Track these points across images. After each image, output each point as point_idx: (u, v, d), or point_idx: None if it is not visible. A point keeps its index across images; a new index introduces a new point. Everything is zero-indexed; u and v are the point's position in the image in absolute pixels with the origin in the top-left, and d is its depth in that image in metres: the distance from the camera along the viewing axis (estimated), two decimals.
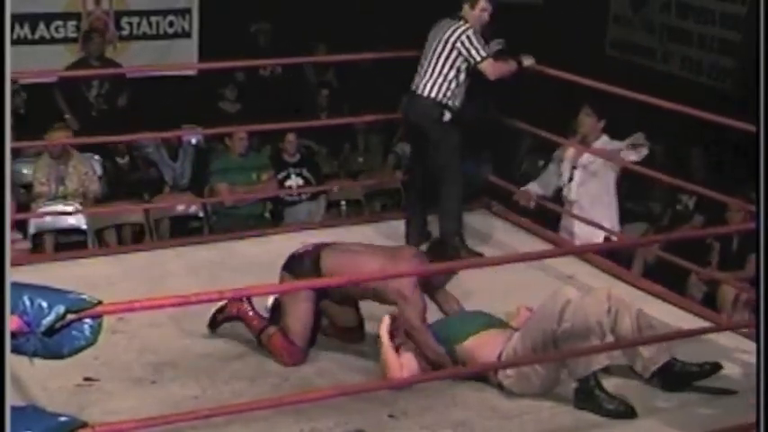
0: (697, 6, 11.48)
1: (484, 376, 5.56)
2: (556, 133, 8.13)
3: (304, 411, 5.08)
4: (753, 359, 5.92)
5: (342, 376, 5.66)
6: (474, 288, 6.46)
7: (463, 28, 7.12)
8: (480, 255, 6.98)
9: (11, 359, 5.07)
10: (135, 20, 11.08)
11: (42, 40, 10.62)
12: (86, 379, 5.53)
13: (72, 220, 9.25)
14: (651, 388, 5.59)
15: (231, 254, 7.24)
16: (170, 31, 11.20)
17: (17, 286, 3.88)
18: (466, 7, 7.20)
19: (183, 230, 9.67)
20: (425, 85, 7.20)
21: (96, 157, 9.83)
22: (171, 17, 11.20)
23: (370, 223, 8.07)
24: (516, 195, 7.96)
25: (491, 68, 7.18)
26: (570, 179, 7.72)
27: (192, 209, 9.93)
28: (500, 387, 5.50)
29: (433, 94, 7.17)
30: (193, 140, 10.38)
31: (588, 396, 5.33)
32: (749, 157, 8.57)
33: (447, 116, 7.18)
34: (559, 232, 7.80)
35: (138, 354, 5.85)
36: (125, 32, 11.04)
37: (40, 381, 5.32)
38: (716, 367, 5.68)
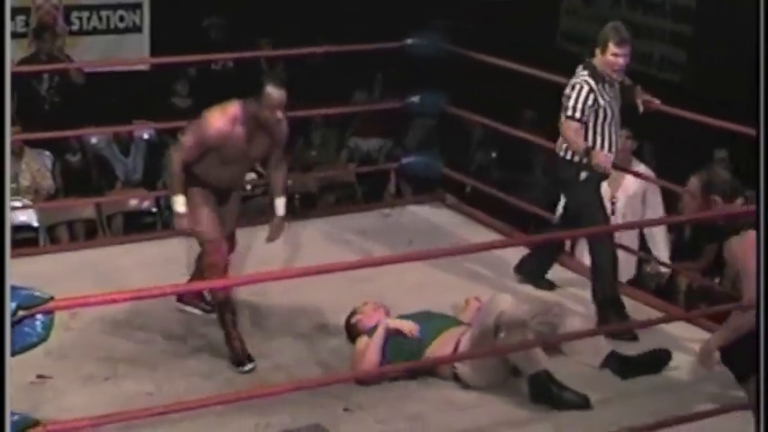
0: None
1: (438, 372, 5.57)
2: (507, 125, 8.16)
3: (259, 407, 5.07)
4: None
5: (297, 371, 5.65)
6: (426, 281, 6.48)
7: (576, 79, 6.22)
8: None
9: None
10: (85, 14, 11.00)
11: None
12: (39, 376, 5.50)
13: (23, 217, 9.16)
14: (606, 377, 5.63)
15: (184, 249, 7.21)
16: (121, 25, 11.12)
17: None
18: (597, 51, 6.23)
19: (136, 226, 9.61)
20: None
21: (47, 153, 9.75)
22: (121, 12, 11.12)
23: (323, 217, 8.07)
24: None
25: (565, 129, 6.21)
26: (612, 212, 7.29)
27: (145, 204, 9.87)
28: (455, 378, 5.51)
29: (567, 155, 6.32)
30: (145, 135, 10.31)
31: (541, 389, 5.35)
32: (699, 149, 8.68)
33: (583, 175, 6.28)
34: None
35: (92, 350, 5.82)
36: (75, 27, 10.95)
37: None
38: (667, 356, 5.74)
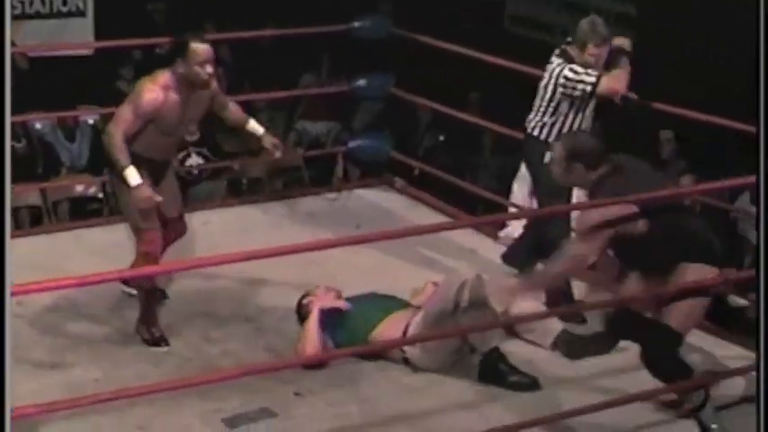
0: None
1: (388, 356, 5.57)
2: (454, 108, 8.17)
3: (209, 392, 5.04)
4: None
5: (246, 356, 5.63)
6: (376, 264, 6.48)
7: (561, 66, 6.19)
8: None
9: None
10: None
11: None
12: None
13: None
14: (556, 358, 5.66)
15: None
16: (64, 9, 11.02)
17: None
18: (574, 46, 6.25)
19: (83, 213, 9.53)
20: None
21: None
22: None
23: (272, 201, 8.04)
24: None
25: (617, 84, 6.15)
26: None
27: (92, 190, 9.78)
28: (405, 362, 5.52)
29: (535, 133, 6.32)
30: (90, 121, 10.22)
31: (491, 370, 5.37)
32: (645, 131, 8.71)
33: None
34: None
35: (38, 337, 5.77)
36: (17, 11, 10.82)
37: None
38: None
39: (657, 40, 10.40)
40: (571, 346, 5.70)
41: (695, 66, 10.03)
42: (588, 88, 6.09)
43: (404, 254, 6.62)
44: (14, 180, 9.35)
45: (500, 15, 12.91)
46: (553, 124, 6.25)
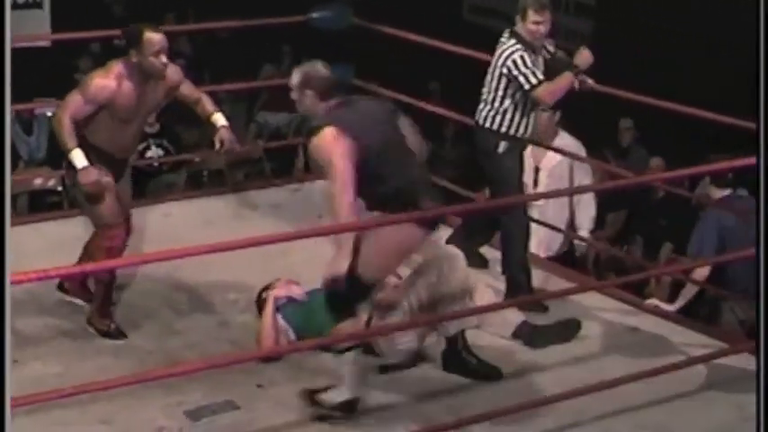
0: None
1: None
2: (414, 98, 8.16)
3: (172, 385, 5.04)
4: (614, 317, 6.11)
5: (209, 349, 5.62)
6: None
7: (511, 49, 6.15)
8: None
9: None
10: None
11: None
12: None
13: None
14: (518, 347, 5.68)
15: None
16: (20, 1, 10.92)
17: None
18: (517, 19, 6.24)
19: (42, 206, 9.47)
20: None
21: None
22: None
23: (232, 193, 8.01)
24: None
25: (547, 96, 6.16)
26: (535, 184, 7.44)
27: (50, 183, 9.72)
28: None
29: (487, 124, 6.31)
30: (48, 113, 10.14)
31: (455, 358, 5.38)
32: (605, 119, 8.75)
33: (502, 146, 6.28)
34: None
35: None
36: None
37: None
38: (577, 325, 5.81)
39: (615, 28, 10.45)
40: (533, 336, 5.72)
41: (654, 54, 10.09)
42: (526, 86, 6.07)
43: None
44: None
45: (459, 5, 12.95)
46: (505, 112, 6.21)
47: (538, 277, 6.41)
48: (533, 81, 6.06)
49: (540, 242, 7.39)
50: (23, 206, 9.53)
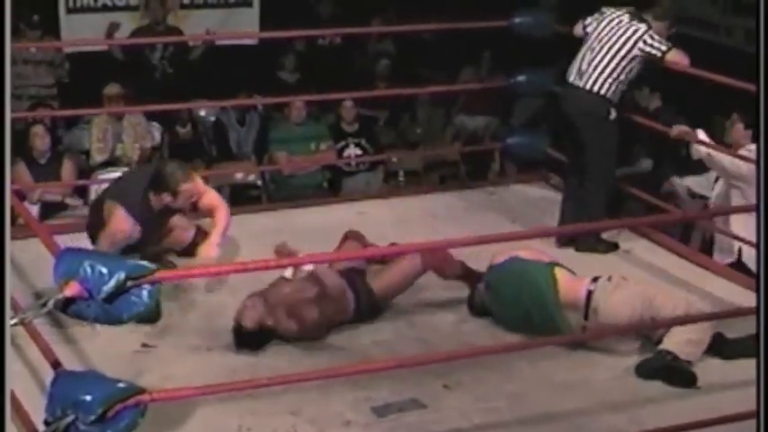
0: None
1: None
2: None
3: (359, 381, 5.10)
4: None
5: (397, 347, 5.68)
6: None
7: (643, 29, 6.84)
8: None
9: (73, 325, 5.15)
10: None
11: (105, 8, 10.64)
12: (144, 345, 5.59)
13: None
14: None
15: (290, 221, 7.29)
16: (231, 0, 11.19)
17: (78, 253, 3.93)
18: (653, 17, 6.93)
19: (243, 198, 9.68)
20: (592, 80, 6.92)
21: (155, 124, 9.83)
22: None
23: (428, 194, 8.07)
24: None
25: (681, 57, 6.83)
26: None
27: (251, 177, 9.94)
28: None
29: (602, 91, 6.89)
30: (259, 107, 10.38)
31: (661, 366, 5.40)
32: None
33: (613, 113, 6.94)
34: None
35: (196, 321, 5.90)
36: (186, 1, 11.04)
37: (99, 347, 5.39)
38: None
39: None
40: (724, 347, 5.65)
41: None
42: (658, 54, 6.77)
43: (559, 253, 6.57)
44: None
45: None
46: (620, 83, 6.84)
47: (730, 291, 6.26)
48: (664, 48, 6.77)
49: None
50: (225, 198, 9.72)
